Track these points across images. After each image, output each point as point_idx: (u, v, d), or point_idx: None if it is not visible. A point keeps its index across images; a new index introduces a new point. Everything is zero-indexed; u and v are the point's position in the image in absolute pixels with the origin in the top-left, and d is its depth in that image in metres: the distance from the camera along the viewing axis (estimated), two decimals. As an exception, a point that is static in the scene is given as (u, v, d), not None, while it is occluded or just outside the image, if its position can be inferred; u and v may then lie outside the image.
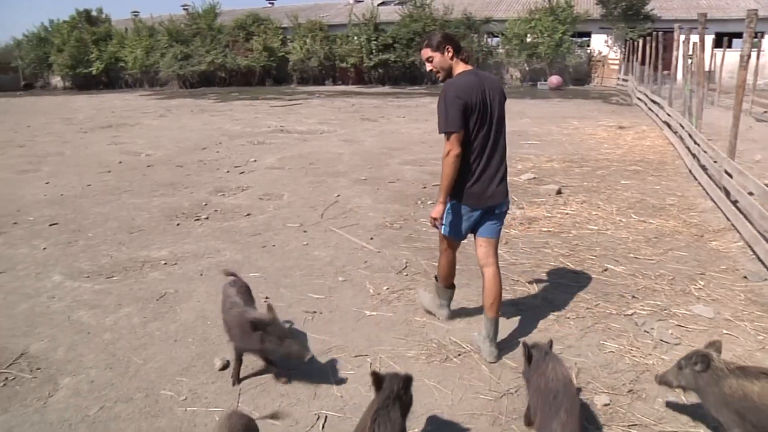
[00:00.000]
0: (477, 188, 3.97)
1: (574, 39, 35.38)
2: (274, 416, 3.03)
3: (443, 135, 3.88)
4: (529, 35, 35.02)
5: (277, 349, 3.61)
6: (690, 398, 3.41)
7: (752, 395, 2.77)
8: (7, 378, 3.97)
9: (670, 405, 3.47)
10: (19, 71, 50.14)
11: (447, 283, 4.55)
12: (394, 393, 2.76)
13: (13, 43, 51.43)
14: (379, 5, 41.19)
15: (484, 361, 4.01)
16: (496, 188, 4.02)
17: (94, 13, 48.97)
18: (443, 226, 4.14)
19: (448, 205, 4.07)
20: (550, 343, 3.29)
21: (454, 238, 4.24)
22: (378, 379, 2.81)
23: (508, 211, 7.16)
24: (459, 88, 3.82)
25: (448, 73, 4.01)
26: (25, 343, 4.44)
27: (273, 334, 3.58)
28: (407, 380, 2.85)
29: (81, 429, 3.42)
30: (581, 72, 35.73)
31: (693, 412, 3.35)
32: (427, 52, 4.02)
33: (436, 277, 4.64)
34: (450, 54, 3.96)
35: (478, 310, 4.63)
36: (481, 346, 4.13)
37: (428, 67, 4.06)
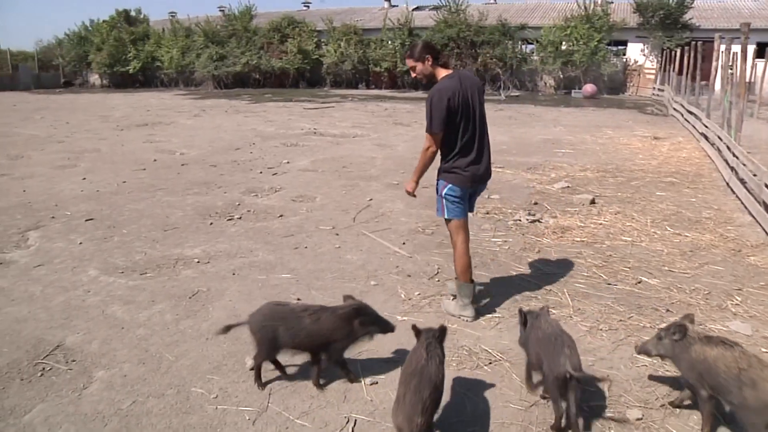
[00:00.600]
0: (472, 171, 4.62)
1: (609, 47, 35.08)
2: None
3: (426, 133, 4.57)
4: (564, 43, 34.77)
5: (375, 329, 3.80)
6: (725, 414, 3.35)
7: (709, 359, 3.22)
8: (44, 368, 4.06)
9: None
10: (59, 69, 51.19)
11: (467, 278, 4.77)
12: (434, 336, 3.31)
13: (55, 42, 52.53)
14: (413, 10, 41.30)
15: (516, 370, 3.99)
16: (486, 170, 4.75)
17: (132, 14, 49.84)
18: (451, 211, 4.72)
19: (452, 192, 4.65)
20: (545, 308, 3.79)
21: (463, 217, 4.76)
22: (418, 330, 3.38)
23: (541, 220, 7.14)
24: (442, 93, 4.41)
25: (431, 78, 4.61)
26: (61, 335, 4.54)
27: (369, 314, 3.79)
28: (443, 329, 3.38)
29: (114, 422, 3.48)
30: (616, 81, 35.36)
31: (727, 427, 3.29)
32: (410, 62, 4.61)
33: (456, 278, 4.86)
34: (430, 62, 4.53)
35: (512, 319, 4.65)
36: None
37: (413, 74, 4.65)
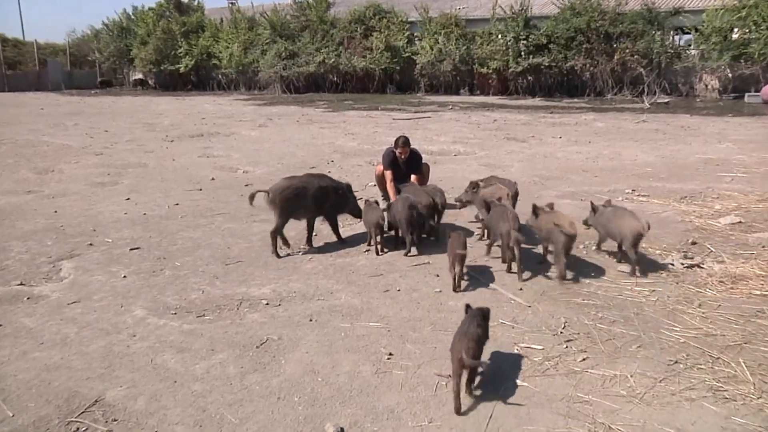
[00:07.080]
0: None
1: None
2: None
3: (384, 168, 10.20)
4: (736, 29, 32.62)
5: None
6: None
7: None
8: (78, 428, 4.21)
9: None
10: (96, 66, 53.57)
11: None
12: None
13: (91, 33, 54.80)
14: (531, -5, 41.06)
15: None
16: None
17: (184, 0, 51.56)
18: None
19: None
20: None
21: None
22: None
23: (702, 266, 6.94)
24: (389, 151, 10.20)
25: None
26: (100, 387, 4.72)
27: None
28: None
29: (165, 499, 3.58)
30: (812, 79, 33.47)
31: None
32: (405, 150, 9.94)
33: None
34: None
35: (659, 391, 4.54)
36: None
37: (404, 157, 10.04)
